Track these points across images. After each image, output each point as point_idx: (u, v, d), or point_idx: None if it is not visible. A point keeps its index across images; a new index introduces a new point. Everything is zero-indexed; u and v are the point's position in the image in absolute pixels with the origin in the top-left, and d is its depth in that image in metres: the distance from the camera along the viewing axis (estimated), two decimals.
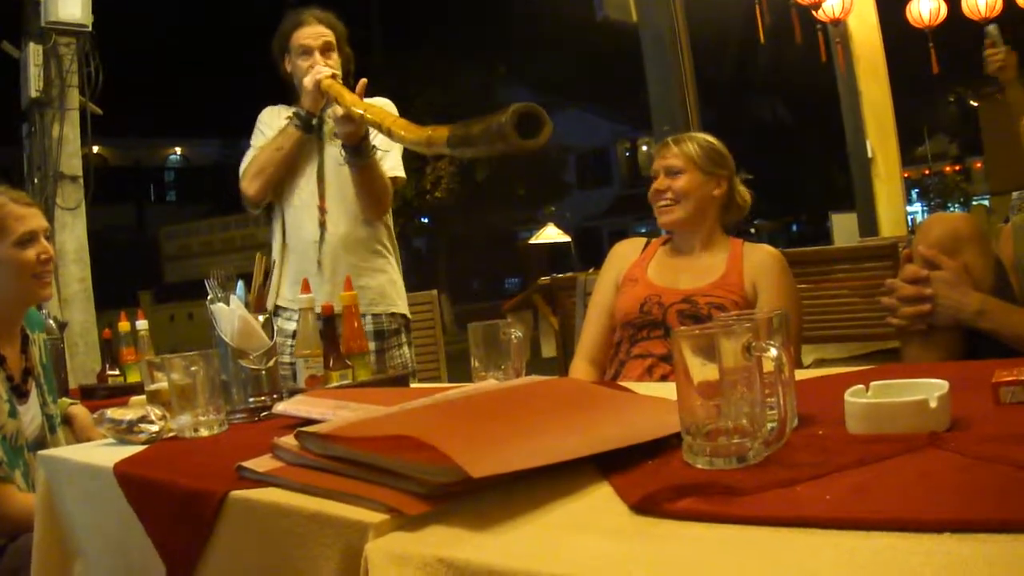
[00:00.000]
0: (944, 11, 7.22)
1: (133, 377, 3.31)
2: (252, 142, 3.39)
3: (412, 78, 22.39)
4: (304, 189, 3.30)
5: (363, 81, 3.00)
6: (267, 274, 2.32)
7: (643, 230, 26.82)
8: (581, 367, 2.88)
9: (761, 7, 6.38)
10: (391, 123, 2.48)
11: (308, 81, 3.14)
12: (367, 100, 3.05)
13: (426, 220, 27.10)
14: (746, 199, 2.93)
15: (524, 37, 26.11)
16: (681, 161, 2.84)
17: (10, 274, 2.47)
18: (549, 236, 23.12)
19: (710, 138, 2.90)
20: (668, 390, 1.28)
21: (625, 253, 2.99)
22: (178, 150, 34.90)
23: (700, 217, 2.83)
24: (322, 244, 3.26)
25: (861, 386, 1.26)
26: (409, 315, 3.47)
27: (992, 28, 4.14)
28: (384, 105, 3.29)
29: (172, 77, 26.50)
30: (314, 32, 3.29)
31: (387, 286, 3.36)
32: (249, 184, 3.28)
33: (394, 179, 3.31)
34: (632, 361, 2.74)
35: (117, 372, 3.50)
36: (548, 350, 6.48)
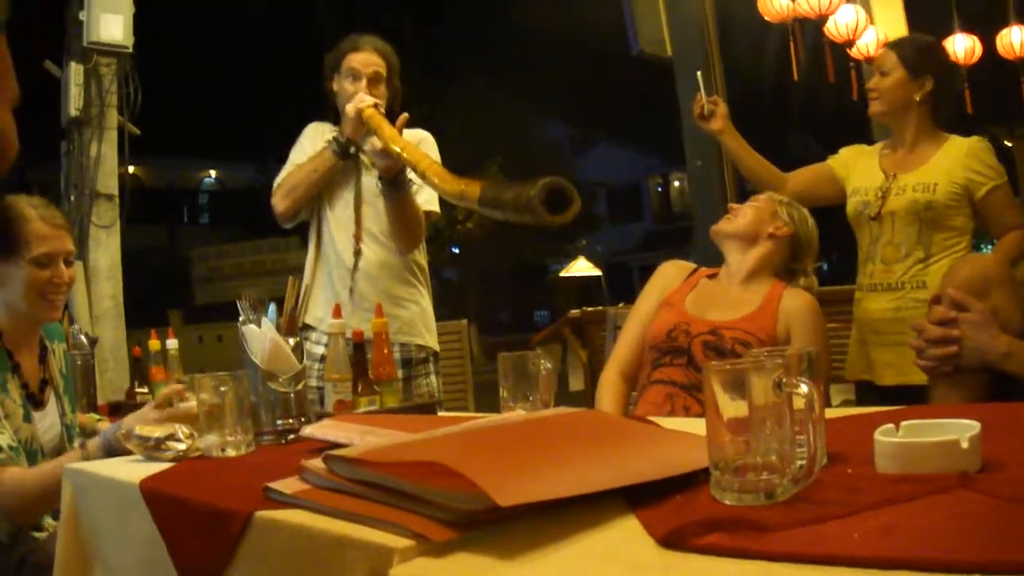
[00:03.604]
0: (979, 50, 7.18)
1: None
2: (291, 155, 3.40)
3: (445, 109, 22.49)
4: (341, 214, 3.31)
5: (404, 116, 3.01)
6: (298, 299, 2.32)
7: None
8: (612, 377, 2.88)
9: (796, 44, 6.38)
10: (426, 167, 2.49)
11: (350, 108, 3.14)
12: (408, 131, 3.07)
13: (457, 250, 27.13)
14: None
15: (559, 71, 26.16)
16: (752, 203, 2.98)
17: (21, 289, 2.49)
18: (580, 269, 23.14)
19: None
20: (696, 425, 1.28)
21: (671, 276, 3.01)
22: (212, 173, 35.06)
23: (753, 239, 2.89)
24: (356, 271, 3.27)
25: (891, 425, 1.25)
26: (437, 349, 3.47)
27: None
28: (423, 140, 3.31)
29: (209, 100, 26.68)
30: (367, 60, 3.30)
31: (417, 317, 3.37)
32: (280, 201, 3.29)
33: (428, 213, 3.31)
34: (653, 386, 2.74)
35: (146, 390, 3.52)
36: (576, 384, 6.45)
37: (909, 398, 2.71)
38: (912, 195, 3.11)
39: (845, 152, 3.45)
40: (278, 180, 3.34)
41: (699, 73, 3.54)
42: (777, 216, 2.91)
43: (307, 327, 3.33)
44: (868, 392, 3.19)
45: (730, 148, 3.50)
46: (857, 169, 3.34)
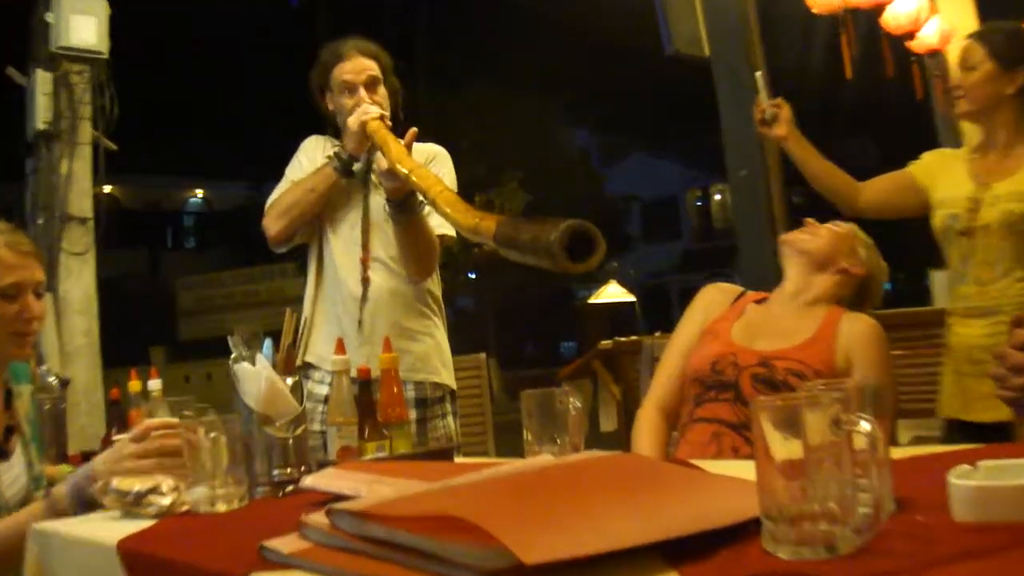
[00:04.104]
0: None
1: None
2: (287, 172, 3.41)
3: (459, 117, 22.56)
4: (347, 238, 3.32)
5: (413, 131, 3.00)
6: (297, 333, 2.33)
7: None
8: (649, 416, 2.87)
9: (848, 37, 6.37)
10: (437, 194, 2.46)
11: (353, 122, 3.14)
12: (420, 146, 3.07)
13: (473, 276, 27.13)
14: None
15: (585, 74, 26.18)
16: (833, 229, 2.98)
17: None
18: (611, 295, 23.10)
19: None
20: (746, 468, 1.27)
21: (715, 301, 3.01)
22: (199, 192, 35.20)
23: (822, 264, 2.91)
24: (364, 302, 3.27)
25: (968, 466, 1.24)
26: (454, 386, 3.47)
27: None
28: (436, 157, 3.32)
29: (196, 110, 26.78)
30: (357, 67, 3.30)
31: (432, 352, 3.36)
32: (273, 222, 3.29)
33: (442, 237, 3.31)
34: (696, 425, 2.73)
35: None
36: (609, 423, 6.44)
37: (1004, 437, 2.69)
38: (1007, 206, 3.04)
39: (928, 157, 3.40)
40: (271, 199, 3.35)
41: (758, 74, 3.54)
42: (855, 253, 2.91)
43: (308, 366, 3.33)
44: (957, 430, 3.15)
45: (796, 156, 3.46)
46: (943, 177, 3.28)
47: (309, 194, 3.26)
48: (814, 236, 2.93)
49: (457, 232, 3.18)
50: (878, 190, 3.43)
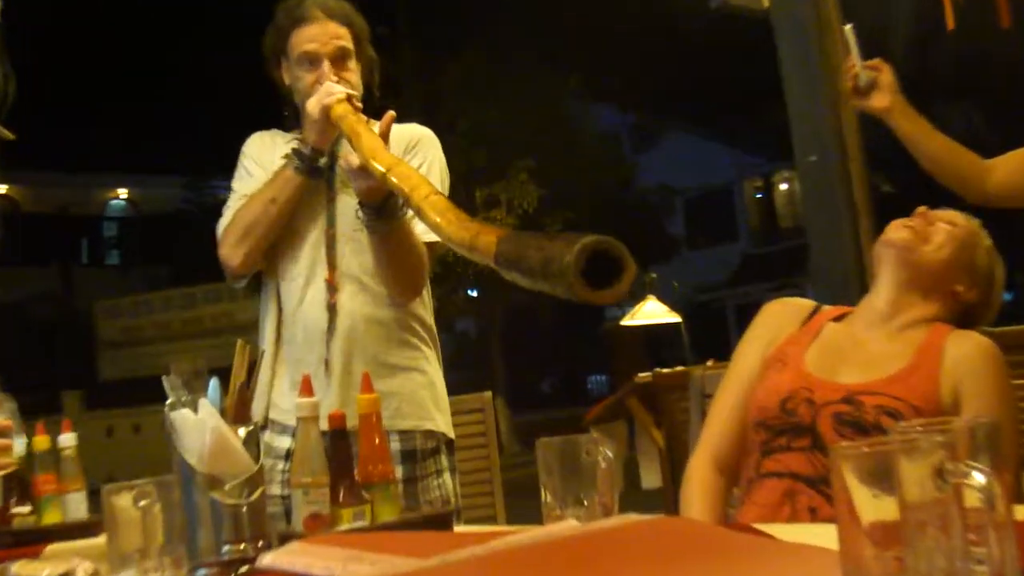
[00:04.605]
0: None
1: (52, 516, 3.31)
2: (234, 186, 3.40)
3: (451, 91, 22.56)
4: (306, 256, 3.32)
5: (389, 115, 2.99)
6: (251, 369, 2.32)
7: None
8: (702, 470, 2.86)
9: None
10: (423, 199, 2.44)
11: (314, 106, 3.13)
12: (398, 127, 3.06)
13: (475, 293, 27.10)
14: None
15: (606, 35, 26.13)
16: (959, 232, 2.91)
17: None
18: (649, 314, 23.01)
19: None
20: (824, 534, 1.27)
21: (782, 318, 3.00)
22: (122, 192, 35.16)
23: (925, 281, 2.86)
24: (332, 334, 3.27)
25: None
26: (452, 435, 3.46)
27: None
28: (420, 143, 3.33)
29: (115, 90, 26.80)
30: (323, 32, 3.28)
31: (422, 392, 3.37)
32: (232, 251, 3.29)
33: (431, 245, 3.29)
34: (764, 481, 2.72)
35: (28, 508, 3.50)
36: (651, 479, 6.44)
37: None
38: None
39: None
40: (223, 223, 3.34)
41: (849, 27, 3.47)
42: (973, 266, 2.88)
43: (271, 423, 3.32)
44: None
45: (905, 132, 3.41)
46: None
47: (270, 207, 3.24)
48: (928, 242, 2.86)
49: None
50: (1011, 170, 3.39)
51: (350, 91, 3.17)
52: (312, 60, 3.26)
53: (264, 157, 3.37)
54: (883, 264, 2.92)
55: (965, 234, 2.92)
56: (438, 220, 2.34)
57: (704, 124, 34.97)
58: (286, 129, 3.38)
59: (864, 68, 3.39)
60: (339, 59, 3.28)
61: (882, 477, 1.08)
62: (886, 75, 3.38)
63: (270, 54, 3.40)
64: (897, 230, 2.90)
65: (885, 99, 3.38)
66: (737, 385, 2.91)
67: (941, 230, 2.88)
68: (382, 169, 2.75)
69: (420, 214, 2.44)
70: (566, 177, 24.64)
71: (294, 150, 3.22)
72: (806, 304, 3.06)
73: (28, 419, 3.75)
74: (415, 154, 3.28)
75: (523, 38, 24.13)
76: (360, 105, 3.13)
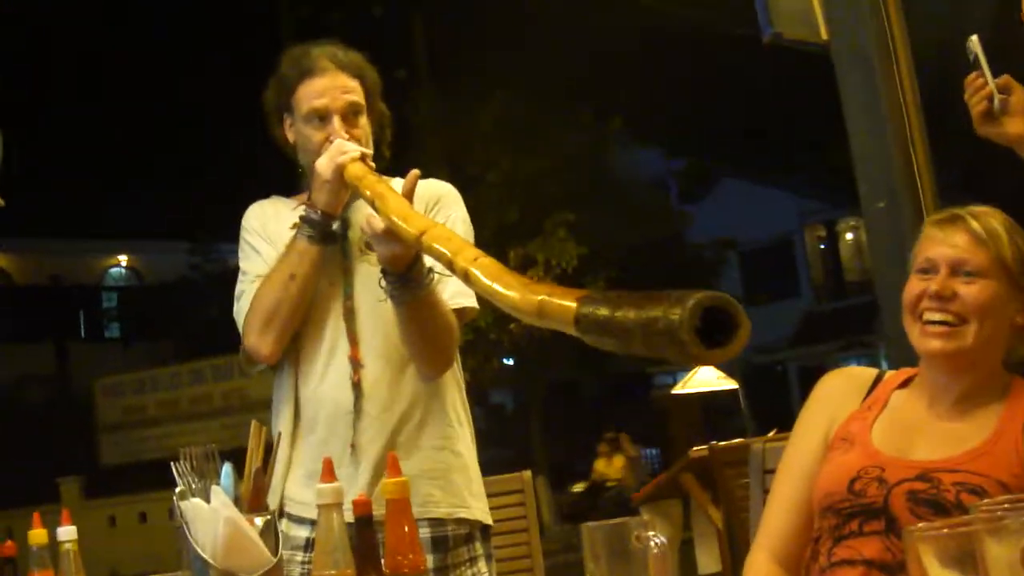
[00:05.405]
0: None
1: None
2: (242, 267, 3.40)
3: (479, 139, 22.61)
4: (324, 332, 3.31)
5: (414, 173, 3.00)
6: (268, 451, 2.31)
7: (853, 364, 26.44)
8: (762, 564, 2.82)
9: None
10: (472, 262, 2.36)
11: (325, 167, 3.12)
12: (419, 184, 3.05)
13: (511, 361, 27.09)
14: None
15: (650, 73, 26.17)
16: (985, 257, 2.69)
17: None
18: (703, 381, 22.98)
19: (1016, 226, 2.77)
20: None
21: (841, 393, 2.95)
22: (122, 259, 35.36)
23: (987, 352, 2.73)
24: (359, 416, 3.26)
25: None
26: (488, 521, 3.44)
27: None
28: (442, 200, 3.32)
29: (113, 152, 26.99)
30: (333, 86, 3.27)
31: (455, 475, 3.35)
32: (260, 340, 3.27)
33: (460, 311, 3.29)
34: (836, 570, 2.67)
35: None
36: (708, 562, 6.42)
37: None
38: None
39: None
40: (241, 309, 3.34)
41: (973, 39, 3.29)
42: (1018, 289, 2.73)
43: (287, 515, 3.30)
44: None
45: None
46: None
47: (290, 285, 3.22)
48: (957, 330, 2.67)
49: (481, 299, 3.06)
50: None
51: (364, 150, 3.17)
52: (322, 117, 3.25)
53: (269, 229, 3.37)
54: (932, 369, 2.81)
55: (993, 267, 2.70)
56: (494, 286, 2.28)
57: (759, 168, 35.01)
58: (286, 194, 3.36)
59: (997, 86, 3.19)
60: (350, 115, 3.27)
61: (965, 560, 1.06)
62: (1019, 95, 3.20)
63: (272, 109, 3.39)
64: (926, 340, 2.72)
65: (1021, 124, 3.18)
66: (798, 470, 2.87)
67: (968, 300, 2.68)
68: (415, 232, 2.71)
69: (468, 280, 2.39)
70: (608, 231, 24.63)
71: (303, 217, 3.20)
72: (867, 373, 3.00)
73: (23, 510, 3.75)
74: (436, 213, 3.26)
75: (559, 78, 24.09)
76: (373, 165, 3.12)
